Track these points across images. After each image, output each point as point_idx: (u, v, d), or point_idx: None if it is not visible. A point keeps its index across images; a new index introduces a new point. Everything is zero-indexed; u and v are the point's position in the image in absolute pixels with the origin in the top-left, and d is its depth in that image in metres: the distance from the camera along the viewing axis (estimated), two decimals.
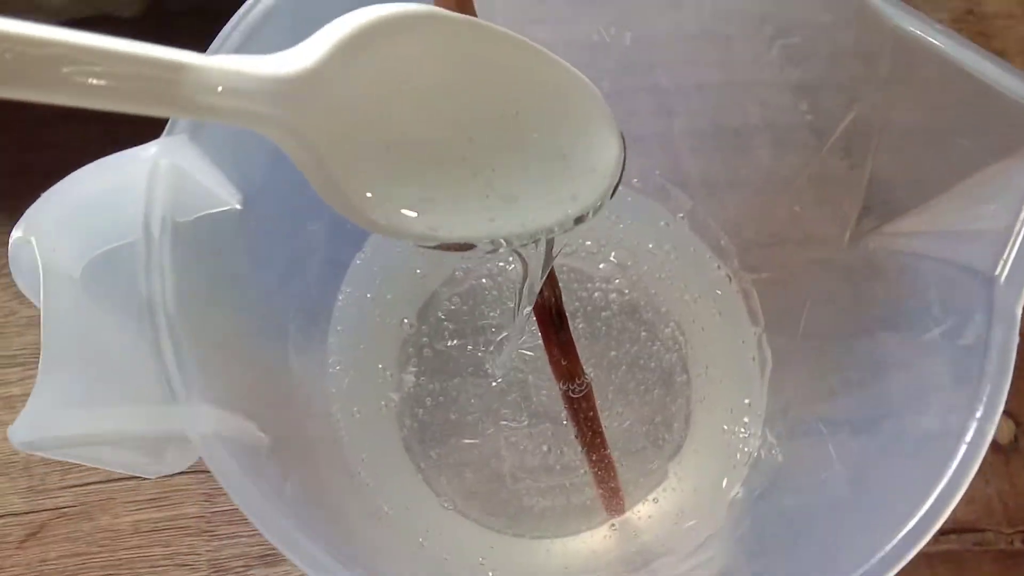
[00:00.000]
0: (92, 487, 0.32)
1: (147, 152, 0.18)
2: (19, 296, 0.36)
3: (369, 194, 0.17)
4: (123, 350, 0.17)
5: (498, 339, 0.29)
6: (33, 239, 0.18)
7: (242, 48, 0.19)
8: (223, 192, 0.20)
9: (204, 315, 0.18)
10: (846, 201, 0.29)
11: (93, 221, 0.18)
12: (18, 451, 0.33)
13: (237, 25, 0.19)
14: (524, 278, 0.21)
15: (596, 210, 0.20)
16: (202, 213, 0.19)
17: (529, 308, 0.23)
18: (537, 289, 0.22)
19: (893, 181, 0.28)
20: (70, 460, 0.19)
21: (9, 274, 0.35)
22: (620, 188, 0.31)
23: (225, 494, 0.31)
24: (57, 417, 0.17)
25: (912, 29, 0.23)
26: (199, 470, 0.32)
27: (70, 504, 0.32)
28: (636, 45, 0.31)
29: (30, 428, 0.17)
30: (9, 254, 0.19)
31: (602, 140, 0.20)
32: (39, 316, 0.18)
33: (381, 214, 0.17)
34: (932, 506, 0.19)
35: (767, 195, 0.32)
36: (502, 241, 0.19)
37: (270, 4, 0.20)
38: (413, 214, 0.17)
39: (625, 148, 0.20)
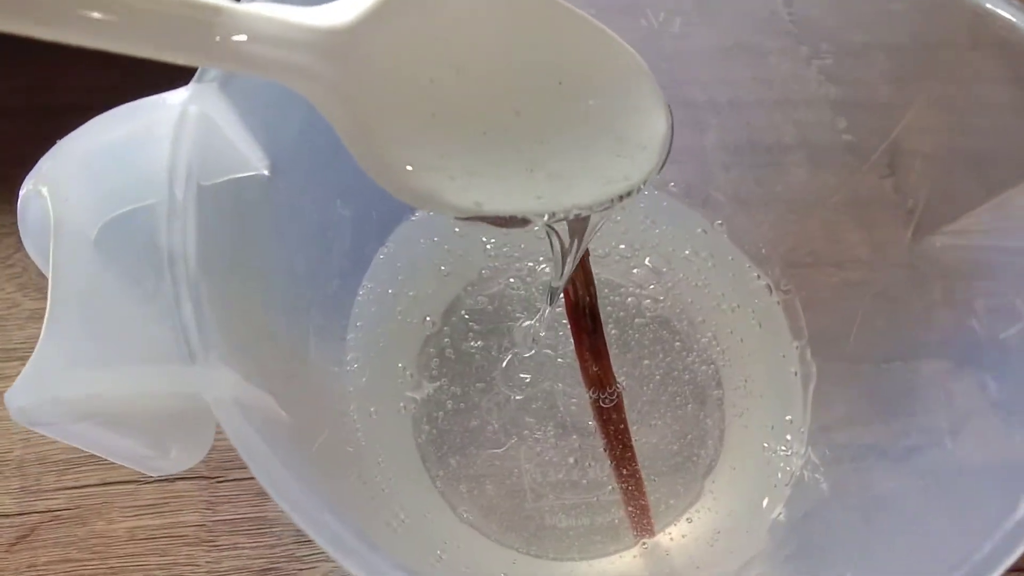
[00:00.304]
0: (88, 490, 0.31)
1: (175, 99, 0.16)
2: (23, 288, 0.35)
3: (410, 166, 0.16)
4: (137, 309, 0.16)
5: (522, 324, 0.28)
6: (45, 189, 0.16)
7: None
8: (252, 155, 0.18)
9: (226, 279, 0.17)
10: (885, 222, 0.29)
11: (112, 175, 0.17)
12: (12, 449, 0.32)
13: None
14: (562, 256, 0.20)
15: (642, 187, 0.19)
16: (229, 176, 0.18)
17: (560, 287, 0.22)
18: (572, 266, 0.20)
19: (934, 202, 0.27)
20: (69, 442, 0.18)
21: (13, 264, 0.34)
22: (656, 192, 0.30)
23: (228, 502, 0.30)
24: (61, 378, 0.15)
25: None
26: (201, 476, 0.30)
27: (64, 507, 0.30)
28: (668, 59, 0.31)
29: (30, 390, 0.15)
30: (18, 208, 0.17)
31: (651, 116, 0.19)
32: (43, 308, 0.16)
33: (421, 184, 0.16)
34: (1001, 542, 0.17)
35: (802, 213, 0.31)
36: (544, 216, 0.18)
37: None
38: (455, 186, 0.16)
39: (672, 123, 0.19)
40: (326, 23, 0.14)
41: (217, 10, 0.12)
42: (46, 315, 0.16)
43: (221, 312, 0.16)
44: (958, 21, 0.23)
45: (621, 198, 0.18)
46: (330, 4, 0.15)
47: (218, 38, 0.12)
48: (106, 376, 0.15)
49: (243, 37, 0.13)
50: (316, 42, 0.14)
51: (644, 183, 0.19)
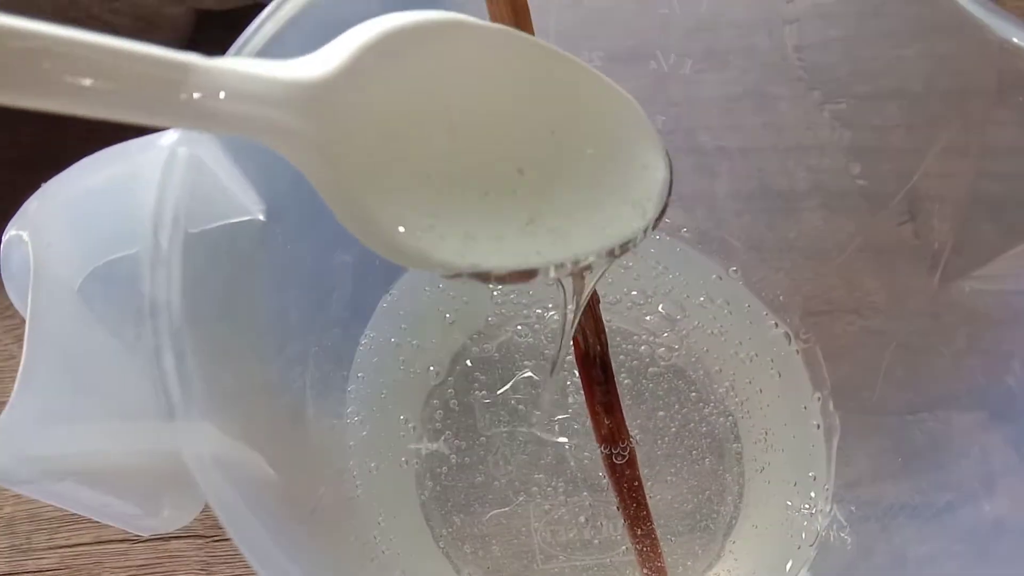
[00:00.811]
0: (80, 548, 0.29)
1: (165, 140, 0.16)
2: (19, 340, 0.34)
3: (401, 227, 0.15)
4: (117, 361, 0.15)
5: (535, 393, 0.27)
6: (26, 234, 0.16)
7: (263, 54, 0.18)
8: (246, 199, 0.18)
9: (213, 328, 0.16)
10: (906, 269, 0.28)
11: (98, 220, 0.16)
12: (2, 506, 0.31)
13: (257, 30, 0.18)
14: (566, 305, 0.19)
15: (644, 235, 0.18)
16: (220, 221, 0.17)
17: (565, 345, 0.20)
18: (576, 316, 0.20)
19: (959, 247, 0.26)
20: (49, 501, 0.17)
21: (13, 316, 0.33)
22: (668, 238, 0.29)
23: (225, 562, 0.29)
24: (34, 434, 0.14)
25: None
26: (196, 535, 0.29)
27: (55, 567, 0.29)
28: (677, 104, 0.30)
29: (3, 445, 0.14)
30: (0, 253, 0.17)
31: (650, 163, 0.18)
32: None
33: (411, 245, 0.15)
34: None
35: (819, 261, 0.30)
36: (551, 271, 0.17)
37: (292, 11, 0.18)
38: (449, 246, 0.15)
39: (672, 169, 0.19)
40: (302, 75, 0.13)
41: (185, 67, 0.11)
42: (20, 366, 0.15)
43: (206, 364, 0.15)
44: (971, 66, 0.23)
45: (623, 248, 0.18)
46: (309, 55, 0.14)
47: (186, 97, 0.11)
48: (81, 433, 0.14)
49: (212, 94, 0.12)
50: (292, 96, 0.13)
51: (646, 230, 0.18)
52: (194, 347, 0.15)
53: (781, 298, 0.28)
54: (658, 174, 0.18)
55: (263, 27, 0.17)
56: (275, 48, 0.17)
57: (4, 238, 0.17)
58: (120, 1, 0.31)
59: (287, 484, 0.18)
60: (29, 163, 0.35)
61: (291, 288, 0.21)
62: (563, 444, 0.27)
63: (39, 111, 0.11)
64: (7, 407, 0.15)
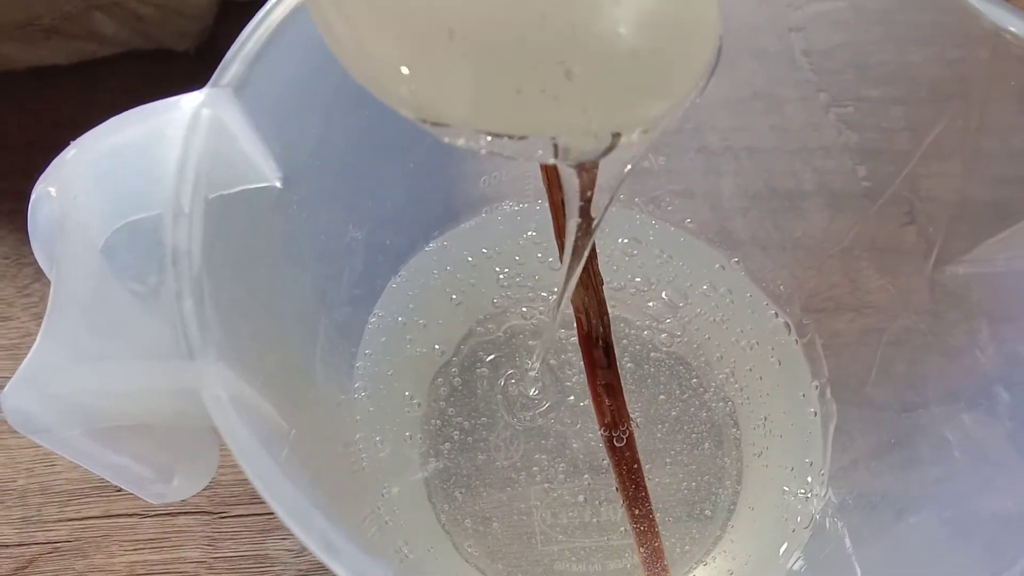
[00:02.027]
0: (89, 522, 0.30)
1: (189, 102, 0.17)
2: (38, 318, 0.35)
3: (406, 69, 0.13)
4: (139, 307, 0.15)
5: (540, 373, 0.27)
6: (54, 190, 0.16)
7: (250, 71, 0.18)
8: (264, 165, 0.18)
9: (230, 283, 0.17)
10: (907, 269, 0.28)
11: (123, 179, 0.17)
12: (15, 479, 0.31)
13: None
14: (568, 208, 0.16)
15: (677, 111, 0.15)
16: (239, 184, 0.18)
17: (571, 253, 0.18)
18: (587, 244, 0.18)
19: (948, 236, 0.27)
20: (64, 453, 0.18)
21: (31, 294, 0.34)
22: (672, 228, 0.30)
23: (230, 538, 0.29)
24: (56, 373, 0.15)
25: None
26: (203, 511, 0.30)
27: (65, 539, 0.30)
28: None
29: (24, 388, 0.15)
30: (28, 210, 0.17)
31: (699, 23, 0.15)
32: None
33: (416, 98, 0.13)
34: None
35: (822, 258, 0.30)
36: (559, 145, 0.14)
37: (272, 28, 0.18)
38: (458, 105, 0.13)
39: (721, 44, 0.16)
40: None
41: None
42: (46, 314, 0.16)
43: (224, 314, 0.15)
44: (980, 72, 0.23)
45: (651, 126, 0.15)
46: None
47: None
48: (103, 371, 0.15)
49: None
50: None
51: (678, 107, 0.15)
52: (212, 295, 0.15)
53: (782, 288, 0.29)
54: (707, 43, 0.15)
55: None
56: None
57: (33, 195, 0.17)
58: None
59: (300, 440, 0.18)
60: (70, 123, 0.36)
61: (306, 259, 0.22)
62: (565, 426, 0.27)
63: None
64: (30, 353, 0.16)
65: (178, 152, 0.16)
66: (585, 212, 0.17)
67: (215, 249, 0.16)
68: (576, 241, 0.18)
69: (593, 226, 0.17)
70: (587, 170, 0.16)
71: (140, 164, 0.17)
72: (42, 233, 0.17)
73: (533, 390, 0.27)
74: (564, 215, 0.17)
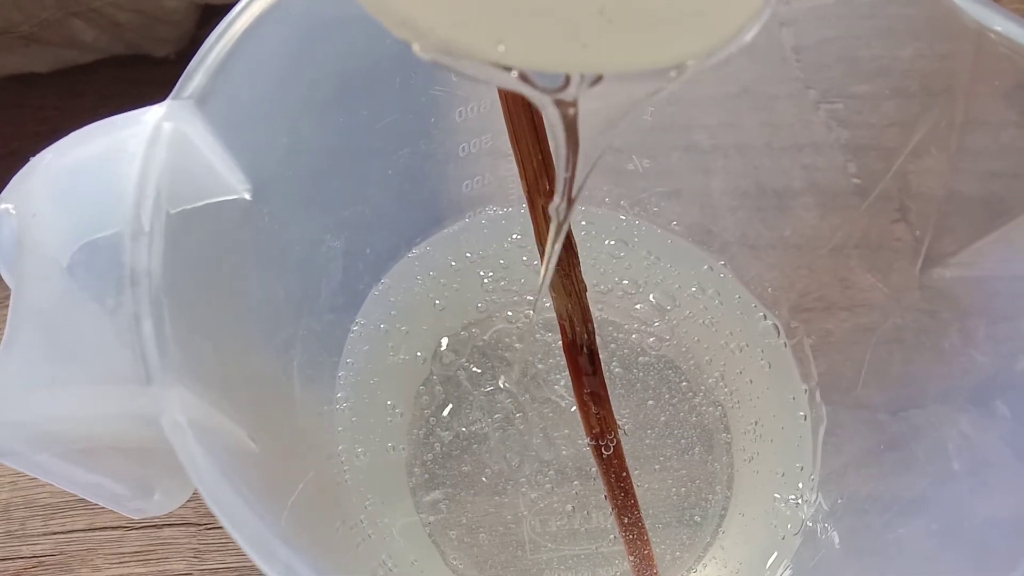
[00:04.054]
0: (74, 535, 0.30)
1: (151, 116, 0.16)
2: None
3: None
4: (98, 330, 0.15)
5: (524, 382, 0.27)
6: (12, 207, 0.16)
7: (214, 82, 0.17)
8: (232, 177, 0.18)
9: (194, 301, 0.16)
10: (898, 267, 0.28)
11: (83, 196, 0.16)
12: None
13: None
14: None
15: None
16: (205, 198, 0.17)
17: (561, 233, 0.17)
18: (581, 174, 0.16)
19: (941, 237, 0.26)
20: (41, 477, 0.17)
21: (6, 305, 0.34)
22: (658, 230, 0.29)
23: (216, 550, 0.29)
24: (16, 400, 0.14)
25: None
26: (188, 522, 0.30)
27: (50, 552, 0.29)
28: (673, 103, 0.30)
29: None
30: None
31: None
32: None
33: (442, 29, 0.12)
34: None
35: (811, 257, 0.30)
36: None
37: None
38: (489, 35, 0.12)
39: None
40: None
41: None
42: (4, 336, 0.15)
43: (185, 333, 0.15)
44: (967, 67, 0.23)
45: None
46: None
47: None
48: (61, 398, 0.14)
49: None
50: None
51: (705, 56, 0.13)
52: (173, 316, 0.15)
53: (771, 290, 0.28)
54: None
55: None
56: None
57: None
58: None
59: (270, 460, 0.18)
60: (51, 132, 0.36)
61: (278, 270, 0.21)
62: (554, 432, 0.27)
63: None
64: None
65: (138, 167, 0.16)
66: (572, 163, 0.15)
67: (177, 267, 0.16)
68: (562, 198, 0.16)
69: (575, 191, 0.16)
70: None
71: (100, 181, 0.16)
72: (5, 250, 0.17)
73: (519, 395, 0.27)
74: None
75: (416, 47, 0.12)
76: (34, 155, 0.17)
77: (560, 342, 0.23)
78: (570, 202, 0.16)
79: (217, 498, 0.13)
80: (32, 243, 0.15)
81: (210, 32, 0.17)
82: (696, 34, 0.13)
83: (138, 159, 0.16)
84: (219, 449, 0.14)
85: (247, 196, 0.18)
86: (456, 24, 0.12)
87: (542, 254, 0.21)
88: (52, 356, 0.15)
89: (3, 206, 0.16)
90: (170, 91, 0.17)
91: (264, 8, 0.18)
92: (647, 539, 0.25)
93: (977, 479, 0.22)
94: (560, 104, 0.14)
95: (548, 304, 0.28)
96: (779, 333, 0.28)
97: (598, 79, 0.13)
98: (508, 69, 0.13)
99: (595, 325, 0.23)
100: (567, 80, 0.13)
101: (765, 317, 0.28)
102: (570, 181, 0.16)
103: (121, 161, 0.16)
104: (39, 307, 0.15)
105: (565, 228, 0.17)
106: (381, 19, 0.12)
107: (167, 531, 0.30)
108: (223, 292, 0.18)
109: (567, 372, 0.24)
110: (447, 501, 0.26)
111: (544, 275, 0.19)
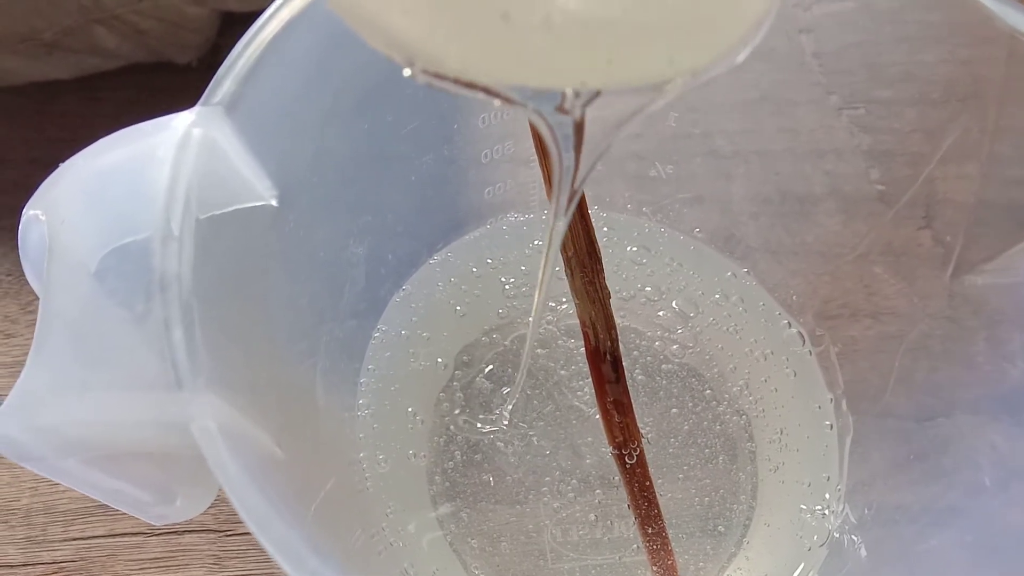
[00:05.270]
0: (95, 541, 0.30)
1: (180, 121, 0.16)
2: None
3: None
4: (128, 334, 0.15)
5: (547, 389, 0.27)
6: (42, 213, 0.16)
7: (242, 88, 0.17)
8: (259, 184, 0.18)
9: (223, 307, 0.16)
10: (924, 273, 0.27)
11: (113, 201, 0.16)
12: (19, 498, 0.31)
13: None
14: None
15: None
16: (233, 204, 0.17)
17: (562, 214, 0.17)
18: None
19: (971, 245, 0.26)
20: (59, 479, 0.17)
21: (35, 311, 0.34)
22: (681, 237, 0.29)
23: (236, 557, 0.29)
24: (44, 404, 0.14)
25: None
26: (209, 529, 0.29)
27: (70, 559, 0.29)
28: (693, 108, 0.30)
29: (13, 417, 0.15)
30: (19, 233, 0.17)
31: None
32: None
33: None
34: None
35: (835, 264, 0.30)
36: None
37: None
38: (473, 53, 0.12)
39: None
40: None
41: None
42: (34, 341, 0.15)
43: (214, 339, 0.15)
44: (998, 73, 0.23)
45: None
46: None
47: None
48: (90, 402, 0.14)
49: None
50: None
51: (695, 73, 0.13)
52: (203, 321, 0.15)
53: (795, 297, 0.28)
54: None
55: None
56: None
57: (23, 218, 0.17)
58: (145, 2, 0.32)
59: (295, 467, 0.18)
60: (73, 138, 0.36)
61: (303, 277, 0.21)
62: (577, 440, 0.27)
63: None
64: (19, 381, 0.15)
65: (167, 173, 0.16)
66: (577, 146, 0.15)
67: (206, 272, 0.15)
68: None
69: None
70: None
71: (129, 186, 0.16)
72: (32, 256, 0.17)
73: (541, 403, 0.27)
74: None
75: (407, 71, 0.12)
76: (57, 162, 0.17)
77: (583, 349, 0.23)
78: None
79: (247, 505, 0.13)
80: (61, 249, 0.15)
81: (232, 40, 0.17)
82: (688, 51, 0.13)
83: (167, 165, 0.16)
84: (248, 455, 0.14)
85: (274, 202, 0.18)
86: (445, 46, 0.12)
87: (566, 261, 0.21)
88: (80, 362, 0.15)
89: (32, 212, 0.16)
90: (192, 97, 0.17)
91: (291, 16, 0.18)
92: (670, 549, 0.25)
93: (1011, 491, 0.22)
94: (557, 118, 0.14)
95: (567, 307, 0.28)
96: (804, 341, 0.27)
97: (594, 95, 0.13)
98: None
99: (618, 332, 0.23)
100: (563, 97, 0.13)
101: (790, 324, 0.28)
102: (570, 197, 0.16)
103: (150, 167, 0.16)
104: (68, 313, 0.15)
105: (561, 232, 0.17)
106: (369, 41, 0.12)
107: (187, 537, 0.29)
108: (250, 298, 0.18)
109: (590, 379, 0.23)
110: (468, 510, 0.25)
111: (541, 280, 0.19)
